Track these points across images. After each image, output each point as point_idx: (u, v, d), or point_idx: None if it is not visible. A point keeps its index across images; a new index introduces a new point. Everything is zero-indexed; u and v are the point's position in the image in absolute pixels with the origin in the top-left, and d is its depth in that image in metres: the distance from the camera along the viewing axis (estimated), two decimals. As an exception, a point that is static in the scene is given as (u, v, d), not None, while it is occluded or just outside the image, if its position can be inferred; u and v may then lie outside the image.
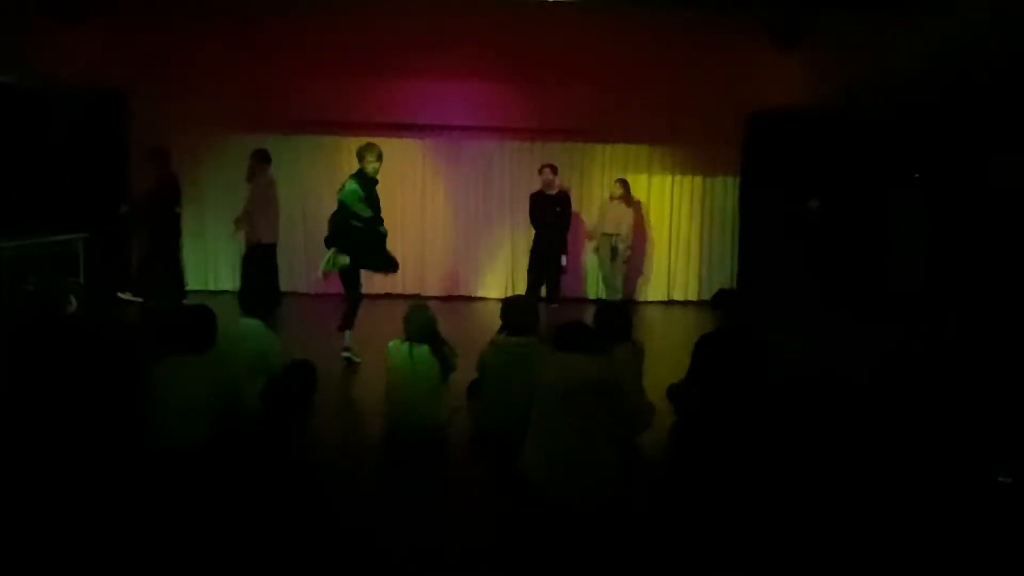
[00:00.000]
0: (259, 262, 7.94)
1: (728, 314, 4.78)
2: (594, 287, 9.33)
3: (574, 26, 8.08)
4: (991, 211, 6.72)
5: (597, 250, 8.84)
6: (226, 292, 8.89)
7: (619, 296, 8.65)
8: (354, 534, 3.34)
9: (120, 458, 3.83)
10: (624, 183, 8.71)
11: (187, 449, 3.69)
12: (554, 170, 8.47)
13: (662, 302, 9.37)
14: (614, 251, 8.59)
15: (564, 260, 8.56)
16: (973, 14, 5.31)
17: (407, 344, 4.39)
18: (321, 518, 3.44)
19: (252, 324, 4.62)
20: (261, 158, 8.02)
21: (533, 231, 8.65)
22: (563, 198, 8.56)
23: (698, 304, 9.14)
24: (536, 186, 8.87)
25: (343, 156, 9.02)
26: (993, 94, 6.46)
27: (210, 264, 9.14)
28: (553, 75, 8.57)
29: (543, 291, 8.58)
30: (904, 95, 7.34)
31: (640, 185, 9.27)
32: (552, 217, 8.42)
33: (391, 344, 4.48)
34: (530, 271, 8.62)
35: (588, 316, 4.87)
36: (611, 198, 8.72)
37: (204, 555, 3.10)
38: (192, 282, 8.89)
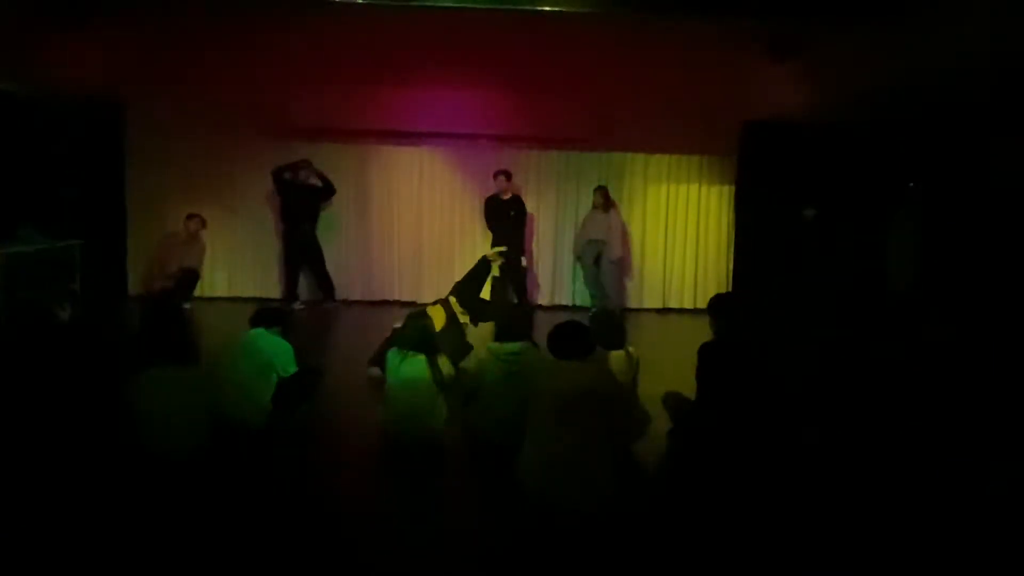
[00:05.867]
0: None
1: (726, 320, 4.78)
2: (575, 295, 9.37)
3: (570, 37, 8.10)
4: (987, 219, 6.77)
5: (580, 258, 8.86)
6: (222, 299, 8.92)
7: (611, 303, 8.66)
8: (350, 542, 3.35)
9: (113, 465, 3.83)
10: (604, 191, 8.75)
11: (177, 458, 3.70)
12: (508, 176, 8.60)
13: (657, 310, 9.40)
14: (598, 258, 8.66)
15: (524, 261, 8.75)
16: (969, 25, 5.36)
17: (404, 353, 4.40)
18: (317, 525, 3.45)
19: (260, 332, 4.64)
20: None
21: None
22: (516, 202, 8.68)
23: (693, 312, 9.17)
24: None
25: (342, 164, 9.04)
26: (988, 104, 6.53)
27: (206, 270, 9.12)
28: (550, 85, 8.61)
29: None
30: (899, 105, 7.40)
31: (636, 194, 9.32)
32: (507, 221, 8.57)
33: (389, 353, 4.51)
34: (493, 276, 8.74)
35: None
36: (593, 207, 8.79)
37: (197, 563, 3.10)
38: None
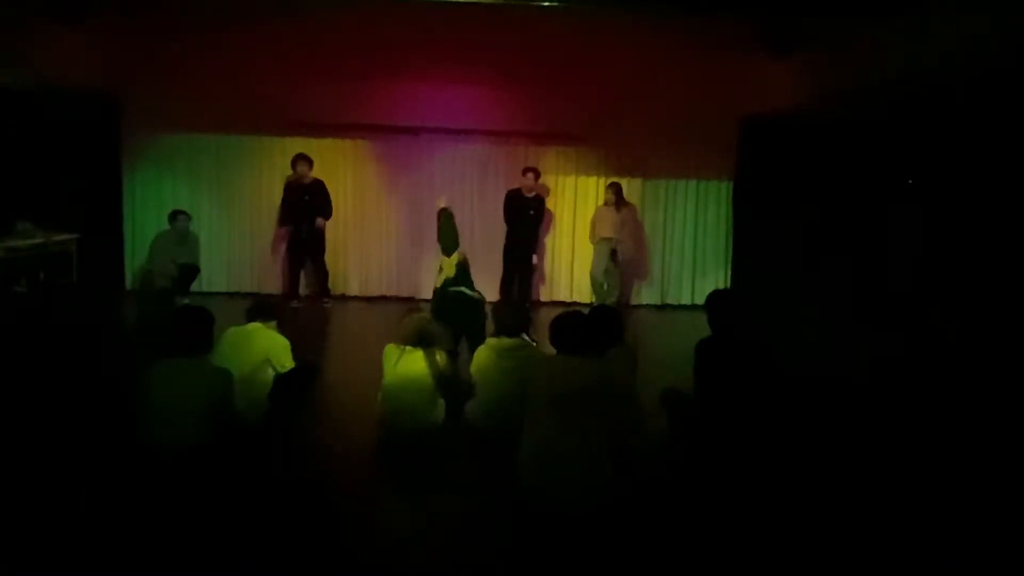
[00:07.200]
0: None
1: (724, 317, 4.76)
2: (573, 290, 9.37)
3: (568, 31, 8.10)
4: (987, 216, 6.77)
5: (595, 254, 8.80)
6: (220, 295, 8.90)
7: (614, 300, 8.67)
8: (347, 537, 3.35)
9: (113, 459, 3.82)
10: (616, 188, 8.73)
11: (182, 451, 3.68)
12: (537, 174, 8.60)
13: (656, 306, 9.40)
14: (614, 255, 8.61)
15: (535, 260, 8.75)
16: (969, 20, 5.35)
17: (402, 348, 4.39)
18: (314, 520, 3.45)
19: (258, 327, 4.62)
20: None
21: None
22: (539, 201, 8.69)
23: (691, 308, 9.17)
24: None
25: (336, 159, 9.02)
26: (989, 100, 6.52)
27: (204, 267, 9.10)
28: (547, 79, 8.59)
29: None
30: (900, 101, 7.39)
31: (634, 189, 9.30)
32: (526, 218, 8.56)
33: (387, 348, 4.49)
34: (504, 270, 8.73)
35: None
36: (605, 203, 8.75)
37: (195, 557, 3.10)
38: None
